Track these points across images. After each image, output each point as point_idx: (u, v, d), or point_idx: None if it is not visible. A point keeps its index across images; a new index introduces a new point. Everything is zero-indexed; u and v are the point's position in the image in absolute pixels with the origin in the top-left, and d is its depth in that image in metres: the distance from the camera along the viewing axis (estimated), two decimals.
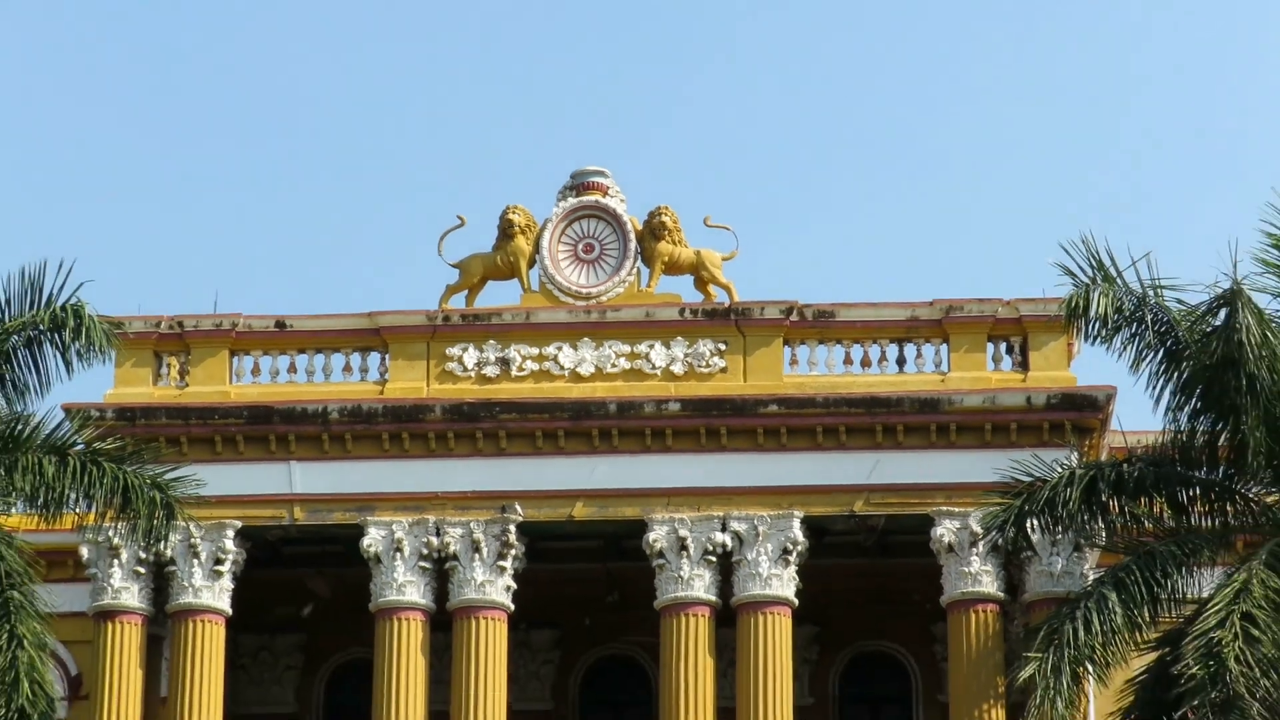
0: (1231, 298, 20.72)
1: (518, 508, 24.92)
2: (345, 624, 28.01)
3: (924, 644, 27.59)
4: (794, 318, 26.16)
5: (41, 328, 21.74)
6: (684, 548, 24.75)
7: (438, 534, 25.06)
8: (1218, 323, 21.33)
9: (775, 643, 24.79)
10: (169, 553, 24.79)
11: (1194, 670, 19.61)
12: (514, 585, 25.46)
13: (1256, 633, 19.84)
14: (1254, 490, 22.94)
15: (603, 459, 25.69)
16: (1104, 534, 23.70)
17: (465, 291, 27.08)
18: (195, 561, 25.15)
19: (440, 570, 25.27)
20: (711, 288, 26.85)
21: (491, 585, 25.15)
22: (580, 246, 27.66)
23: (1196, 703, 19.83)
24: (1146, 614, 21.82)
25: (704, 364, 26.16)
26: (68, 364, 22.00)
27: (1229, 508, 23.08)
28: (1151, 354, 22.45)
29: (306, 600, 28.73)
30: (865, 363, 26.50)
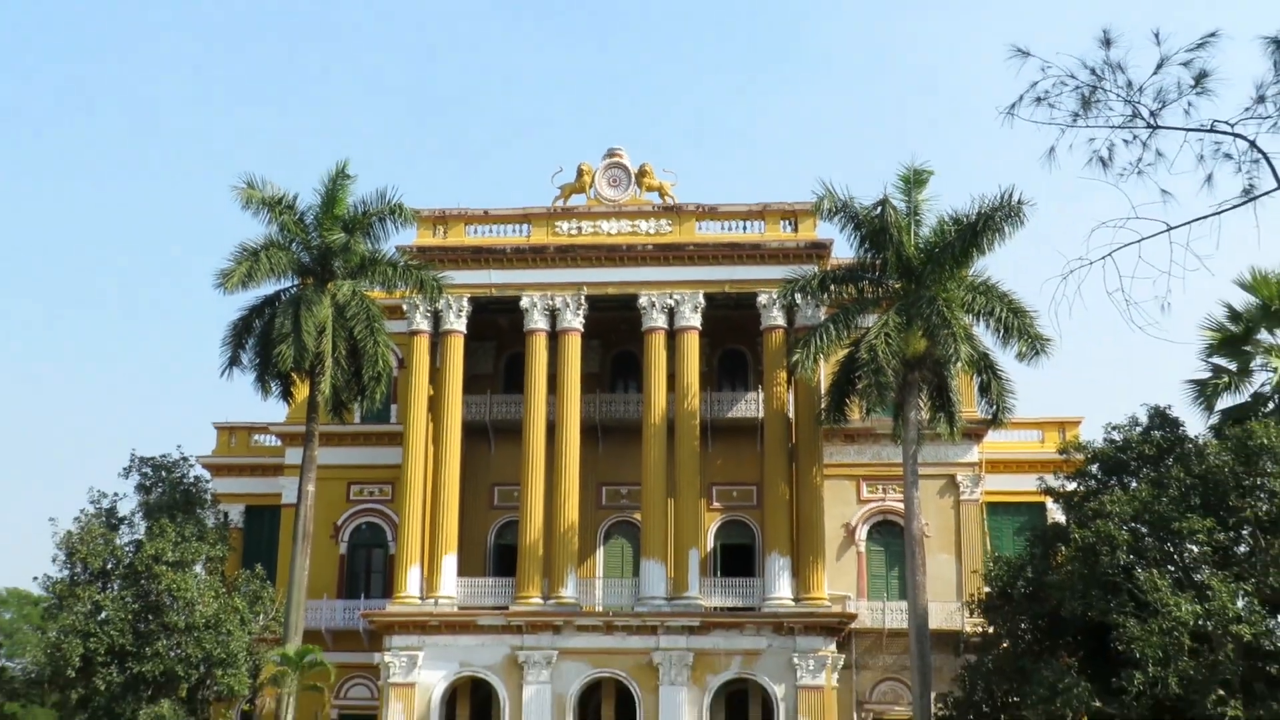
0: (883, 203, 38.62)
1: (585, 289, 43.63)
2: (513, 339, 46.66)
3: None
4: (698, 209, 44.95)
5: (385, 213, 41.59)
6: (652, 304, 43.31)
7: (551, 298, 43.63)
8: (878, 212, 38.85)
9: (688, 351, 43.42)
10: (438, 305, 43.46)
11: (864, 355, 37.77)
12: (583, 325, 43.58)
13: (890, 341, 37.01)
14: (891, 282, 40.32)
15: (617, 269, 44.33)
16: (828, 301, 41.82)
17: (563, 199, 45.88)
18: (450, 312, 43.79)
19: (552, 316, 43.75)
20: (665, 198, 45.30)
21: (576, 319, 43.70)
22: (609, 180, 45.82)
23: (864, 373, 38.09)
24: (847, 334, 39.85)
25: (662, 229, 44.50)
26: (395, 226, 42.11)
27: (880, 290, 40.82)
28: (852, 226, 40.12)
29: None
30: (730, 229, 44.81)
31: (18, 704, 52.87)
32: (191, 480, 48.45)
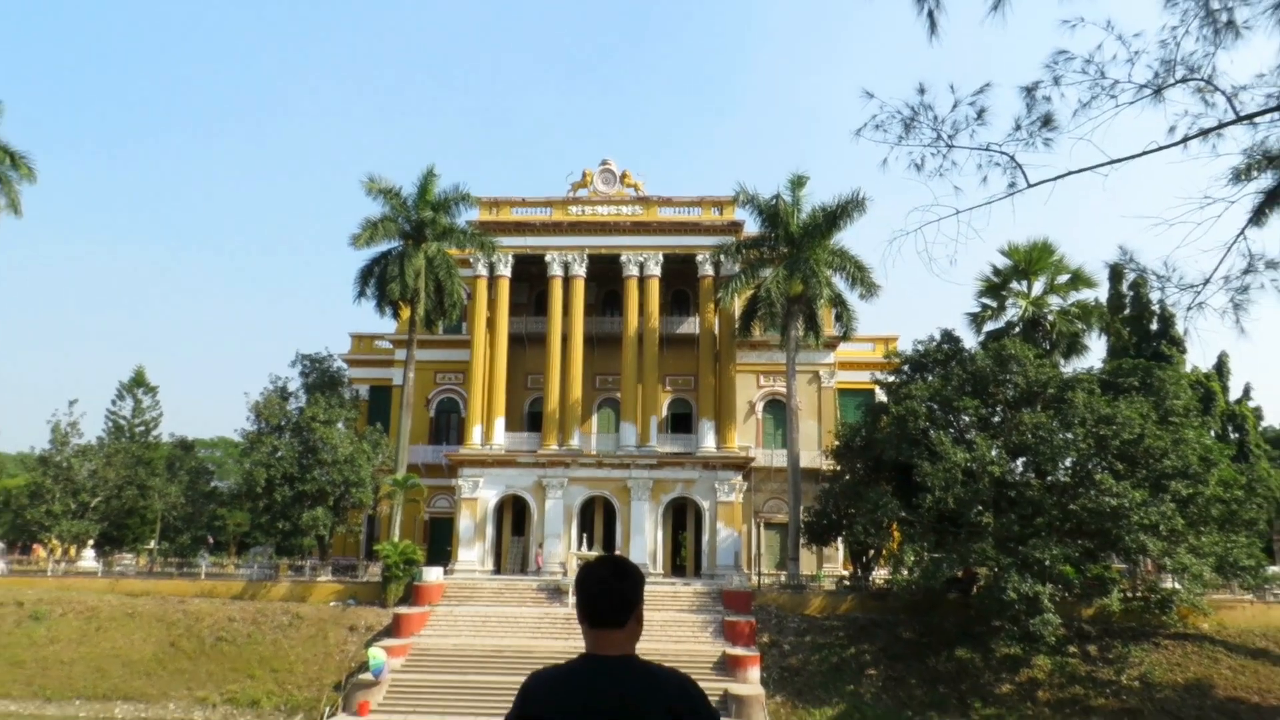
0: (776, 197, 39.06)
1: (586, 251, 43.18)
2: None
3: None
4: (659, 199, 44.21)
5: (458, 198, 42.70)
6: (629, 261, 42.97)
7: (565, 256, 43.33)
8: (774, 202, 40.74)
9: (651, 291, 43.09)
10: (492, 259, 42.94)
11: (763, 294, 39.06)
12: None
13: (779, 285, 37.88)
14: (781, 248, 39.62)
15: (607, 237, 43.47)
16: (741, 260, 40.82)
17: (573, 191, 45.06)
18: (500, 263, 43.22)
19: (565, 267, 43.32)
20: (639, 191, 44.79)
21: (581, 269, 43.24)
22: (603, 179, 45.12)
23: (762, 306, 40.14)
24: (752, 281, 39.88)
25: (636, 212, 43.80)
26: (464, 207, 42.33)
27: (774, 253, 39.86)
28: (757, 211, 39.93)
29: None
30: (680, 213, 44.05)
31: (225, 510, 53.44)
32: (335, 369, 49.18)
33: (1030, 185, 6.45)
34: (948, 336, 37.21)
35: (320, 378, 47.78)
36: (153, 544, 51.32)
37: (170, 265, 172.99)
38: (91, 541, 47.43)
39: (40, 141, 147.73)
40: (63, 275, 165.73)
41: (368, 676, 28.38)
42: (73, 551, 46.74)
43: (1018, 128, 6.49)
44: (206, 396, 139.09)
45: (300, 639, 32.45)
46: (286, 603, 34.89)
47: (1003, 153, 6.52)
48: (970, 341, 39.00)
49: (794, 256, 38.97)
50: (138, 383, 57.82)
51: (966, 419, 32.94)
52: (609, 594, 2.71)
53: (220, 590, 35.95)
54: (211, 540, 54.46)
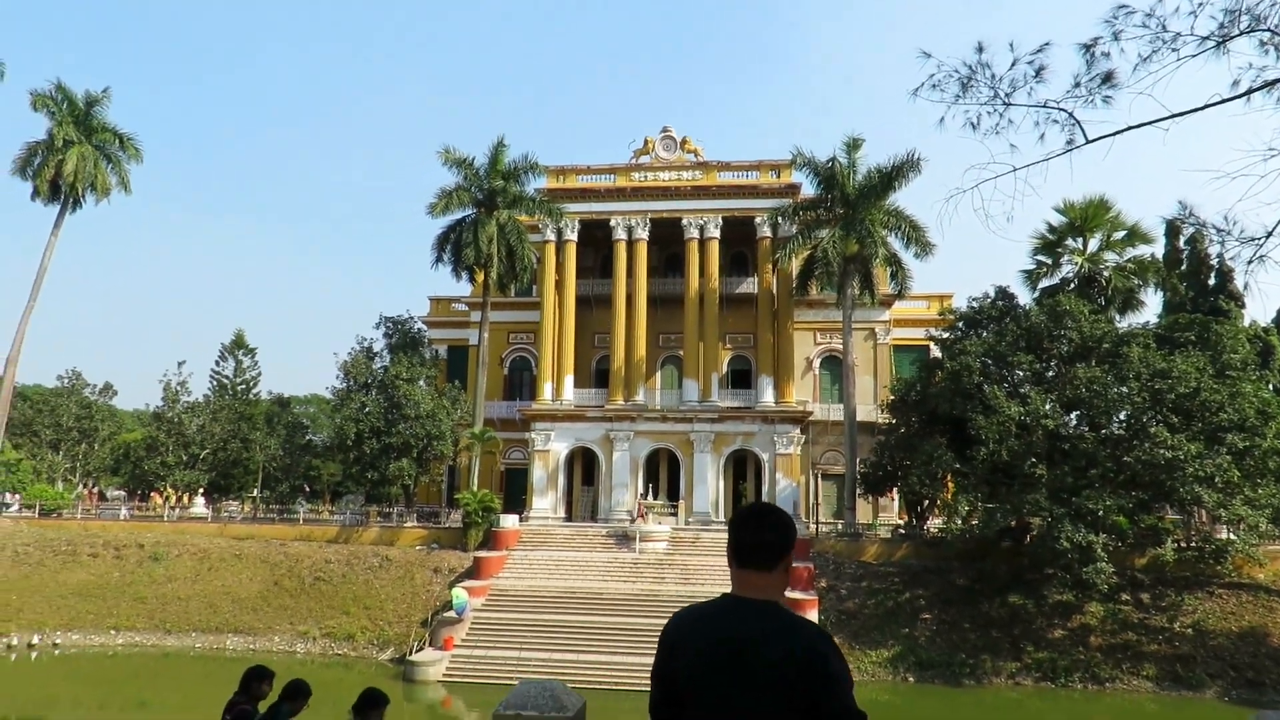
0: (832, 160, 38.25)
1: (649, 215, 42.75)
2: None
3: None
4: (718, 164, 43.47)
5: (527, 168, 41.60)
6: (690, 224, 42.48)
7: (629, 220, 42.82)
8: (830, 165, 38.53)
9: (711, 253, 42.57)
10: (560, 225, 42.65)
11: (819, 254, 38.55)
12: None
13: (835, 246, 38.20)
14: (838, 209, 38.67)
15: (669, 202, 42.98)
16: (798, 221, 40.16)
17: (635, 158, 44.51)
18: (567, 229, 42.99)
19: (629, 231, 42.95)
20: (698, 157, 43.98)
21: (644, 233, 42.69)
22: (664, 146, 44.55)
23: (819, 265, 38.80)
24: (809, 242, 38.94)
25: (696, 177, 43.21)
26: (532, 175, 41.67)
27: (830, 214, 38.92)
28: (813, 174, 39.10)
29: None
30: (738, 177, 43.33)
31: (319, 461, 55.15)
32: (415, 330, 50.13)
33: (1089, 141, 6.18)
34: (1002, 293, 36.28)
35: (402, 338, 48.77)
36: (255, 492, 53.28)
37: (265, 236, 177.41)
38: (201, 490, 49.50)
39: (144, 123, 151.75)
40: (169, 246, 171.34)
41: (451, 614, 29.22)
42: (185, 499, 48.79)
43: (1076, 84, 6.20)
44: (300, 357, 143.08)
45: (389, 579, 33.50)
46: (376, 546, 35.98)
47: (1061, 109, 6.25)
48: (1025, 298, 38.07)
49: (850, 217, 38.15)
50: (238, 345, 59.72)
51: (1020, 374, 32.19)
52: (756, 536, 2.62)
53: (317, 535, 37.20)
54: (308, 489, 56.29)
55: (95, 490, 58.04)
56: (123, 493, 57.30)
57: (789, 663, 2.37)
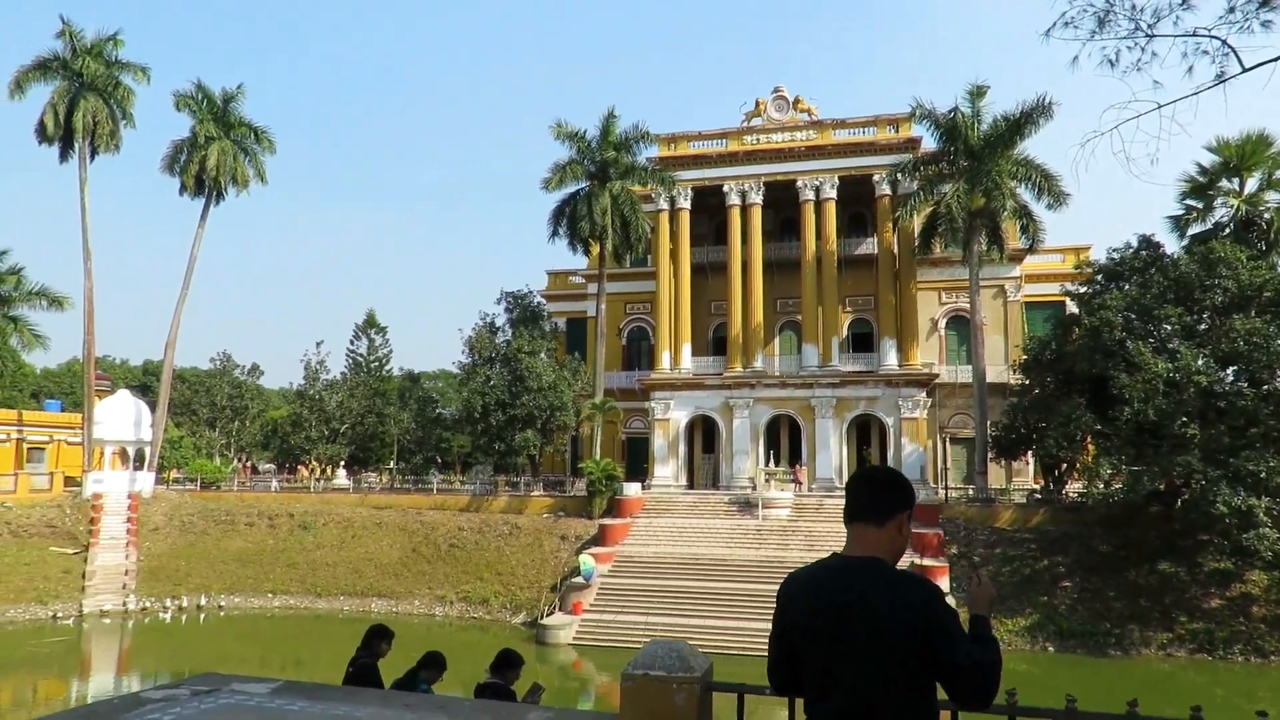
0: (954, 110, 36.61)
1: (762, 179, 42.70)
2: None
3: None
4: (833, 121, 42.34)
5: (638, 137, 42.02)
6: (805, 186, 41.68)
7: (742, 185, 42.20)
8: (952, 115, 37.07)
9: (827, 214, 42.39)
10: (673, 193, 42.59)
11: (943, 210, 37.10)
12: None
13: (960, 200, 36.72)
14: (961, 162, 37.05)
15: (782, 164, 42.19)
16: (918, 177, 38.40)
17: (747, 121, 43.84)
18: (680, 196, 42.88)
19: (743, 196, 42.35)
20: (811, 116, 43.16)
21: (757, 197, 42.09)
22: (776, 107, 43.74)
23: (942, 221, 36.70)
24: (930, 198, 37.49)
25: (810, 137, 42.23)
26: (644, 145, 42.41)
27: (953, 168, 37.33)
28: (934, 126, 37.55)
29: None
30: (854, 134, 42.10)
31: (449, 433, 57.36)
32: (535, 304, 51.28)
33: (1245, 70, 5.65)
34: (1146, 242, 33.99)
35: (523, 313, 50.06)
36: (391, 464, 55.92)
37: (390, 217, 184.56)
38: (343, 462, 52.44)
39: (270, 113, 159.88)
40: (302, 232, 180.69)
41: (579, 580, 30.07)
42: (329, 471, 51.81)
43: (1230, 9, 5.67)
44: (427, 334, 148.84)
45: (519, 546, 34.70)
46: (505, 514, 37.30)
47: (1213, 37, 5.74)
48: (1172, 247, 35.41)
49: (974, 169, 36.49)
50: (370, 324, 62.50)
51: (1168, 328, 30.12)
52: (868, 491, 2.71)
53: (449, 504, 38.85)
54: (439, 460, 58.63)
55: (249, 464, 62.09)
56: (273, 466, 61.20)
57: (894, 617, 2.42)
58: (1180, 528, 28.30)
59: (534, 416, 41.09)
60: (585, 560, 30.45)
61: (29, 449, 47.06)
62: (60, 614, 32.20)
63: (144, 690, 3.80)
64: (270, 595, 34.51)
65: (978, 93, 37.29)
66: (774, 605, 2.73)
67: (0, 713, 22.13)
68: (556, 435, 45.06)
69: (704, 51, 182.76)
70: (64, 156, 41.49)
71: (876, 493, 2.69)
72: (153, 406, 44.26)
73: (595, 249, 43.75)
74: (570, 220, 41.99)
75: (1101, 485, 29.21)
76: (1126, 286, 32.31)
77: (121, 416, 41.12)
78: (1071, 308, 37.01)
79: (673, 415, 42.46)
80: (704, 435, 44.82)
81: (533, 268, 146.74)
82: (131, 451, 41.27)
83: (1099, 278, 34.09)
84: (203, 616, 33.33)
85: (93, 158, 41.41)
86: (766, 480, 37.15)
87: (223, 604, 34.15)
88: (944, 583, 28.43)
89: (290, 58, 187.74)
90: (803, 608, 2.60)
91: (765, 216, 43.96)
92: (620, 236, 41.65)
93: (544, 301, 52.11)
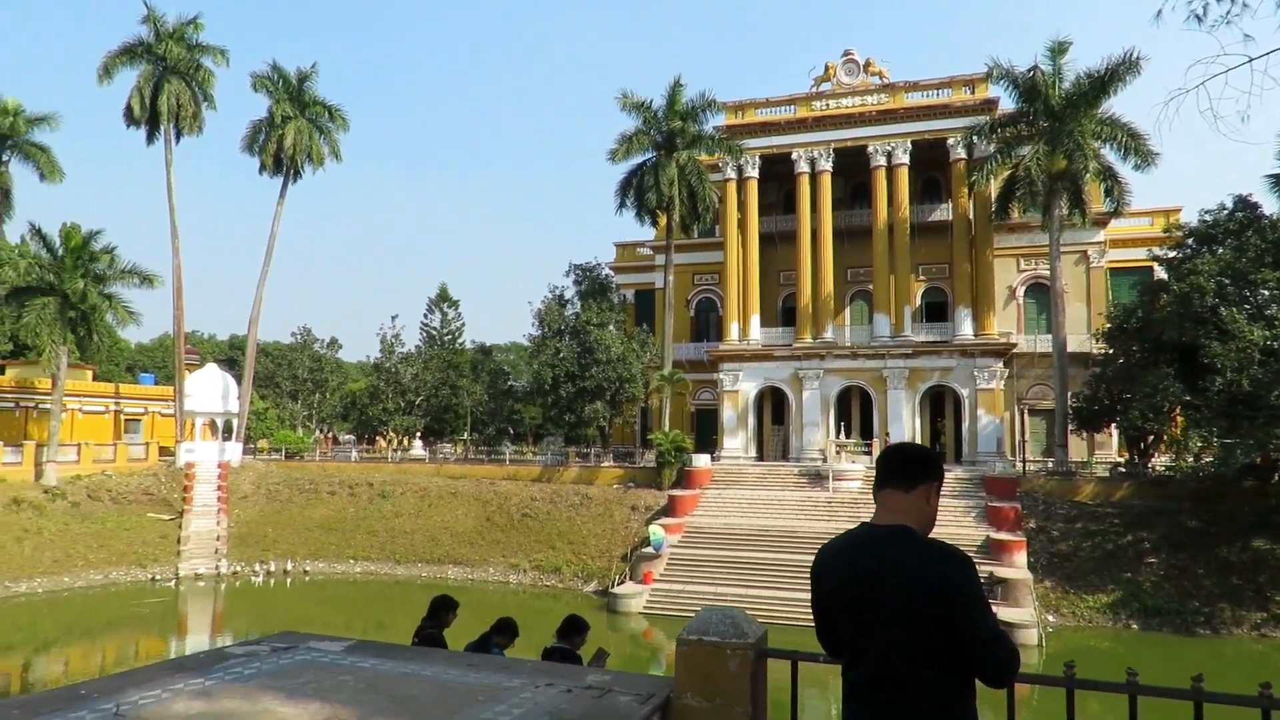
0: (1034, 69, 35.16)
1: (832, 145, 41.38)
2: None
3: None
4: (905, 84, 41.25)
5: (704, 106, 42.07)
6: (876, 151, 40.78)
7: (811, 152, 41.48)
8: (1030, 74, 35.65)
9: (900, 180, 40.77)
10: (740, 162, 42.07)
11: (1021, 173, 36.02)
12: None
13: (1039, 163, 35.15)
14: (1041, 123, 35.56)
15: (852, 129, 41.27)
16: (995, 139, 37.22)
17: (815, 86, 43.21)
18: (748, 165, 42.38)
19: (812, 163, 41.64)
20: (883, 79, 42.05)
21: (827, 164, 41.58)
22: (846, 71, 42.73)
23: (1021, 185, 36.13)
24: (1008, 161, 36.14)
25: (881, 100, 41.03)
26: (710, 114, 41.18)
27: (1032, 129, 35.97)
28: (1012, 86, 35.98)
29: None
30: (927, 97, 40.89)
31: (521, 405, 58.24)
32: (603, 276, 51.42)
33: None
34: (1242, 203, 32.22)
35: (591, 285, 50.37)
36: (465, 435, 57.18)
37: (461, 192, 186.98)
38: (418, 433, 53.79)
39: (341, 88, 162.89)
40: (376, 207, 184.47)
41: (649, 550, 30.33)
42: (405, 442, 53.23)
43: None
44: (499, 307, 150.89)
45: (590, 516, 35.18)
46: (576, 485, 37.82)
47: None
48: (1271, 207, 33.47)
49: (1055, 130, 35.08)
50: (443, 298, 63.73)
51: (1266, 293, 28.68)
52: (898, 458, 2.77)
53: (522, 474, 39.56)
54: (511, 431, 59.65)
55: (330, 435, 64.21)
56: (352, 437, 63.16)
57: (919, 586, 2.44)
58: (1276, 502, 27.10)
59: (603, 388, 41.41)
60: (655, 530, 30.71)
61: (126, 420, 49.65)
62: (159, 576, 33.99)
63: (228, 647, 4.02)
64: (352, 561, 35.78)
65: (1059, 49, 35.80)
66: None
67: (107, 666, 23.46)
68: (626, 407, 45.42)
69: (772, 16, 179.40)
70: (150, 139, 43.08)
71: (905, 463, 2.75)
72: (238, 379, 46.09)
73: (663, 220, 43.51)
74: (637, 191, 41.91)
75: (1191, 458, 28.23)
76: (1220, 250, 30.80)
77: (210, 389, 42.97)
78: (1159, 273, 35.58)
79: (741, 386, 42.30)
80: (773, 407, 44.53)
81: (602, 240, 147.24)
82: (220, 423, 43.12)
83: (1190, 241, 32.56)
84: (289, 581, 34.77)
85: (178, 139, 42.96)
86: (837, 452, 36.73)
87: (308, 569, 35.54)
88: (1020, 557, 27.82)
89: (361, 36, 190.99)
90: (834, 578, 2.65)
91: (835, 184, 43.24)
92: (687, 207, 41.46)
93: (612, 274, 52.35)
